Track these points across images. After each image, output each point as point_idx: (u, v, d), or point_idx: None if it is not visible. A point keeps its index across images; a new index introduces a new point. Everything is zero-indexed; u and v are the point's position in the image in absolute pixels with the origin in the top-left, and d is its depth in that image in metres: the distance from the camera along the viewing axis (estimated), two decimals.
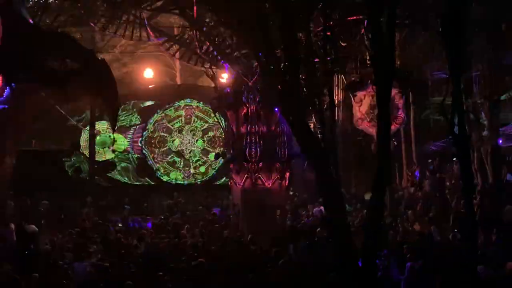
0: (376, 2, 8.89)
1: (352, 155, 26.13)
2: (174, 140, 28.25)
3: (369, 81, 21.18)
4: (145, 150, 28.12)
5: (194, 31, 18.24)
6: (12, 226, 14.70)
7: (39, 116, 23.32)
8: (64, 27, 18.31)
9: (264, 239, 14.79)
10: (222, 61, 18.78)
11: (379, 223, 8.77)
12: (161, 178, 28.07)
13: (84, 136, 27.57)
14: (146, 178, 28.11)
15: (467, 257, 10.23)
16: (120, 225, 16.85)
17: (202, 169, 28.27)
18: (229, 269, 11.26)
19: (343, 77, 26.07)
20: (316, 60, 15.72)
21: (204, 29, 18.12)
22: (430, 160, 25.34)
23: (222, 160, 24.29)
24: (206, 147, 28.23)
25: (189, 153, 28.21)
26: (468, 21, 12.85)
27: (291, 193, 22.82)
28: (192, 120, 28.33)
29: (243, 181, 18.47)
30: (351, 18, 16.92)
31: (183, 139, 28.21)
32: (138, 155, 28.23)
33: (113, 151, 28.00)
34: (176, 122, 28.34)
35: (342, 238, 8.70)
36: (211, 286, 10.64)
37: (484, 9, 17.02)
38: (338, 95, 26.73)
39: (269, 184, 18.31)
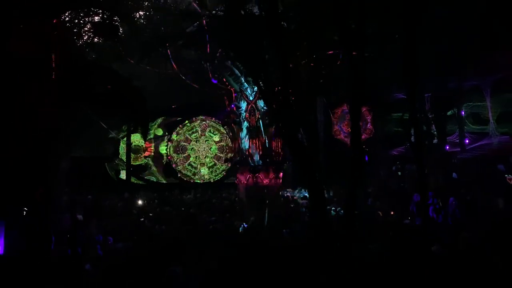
0: (349, 42, 8.96)
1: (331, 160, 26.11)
2: (192, 148, 28.30)
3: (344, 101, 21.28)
4: (170, 156, 28.17)
5: (208, 63, 18.31)
6: (68, 215, 14.68)
7: (87, 129, 23.42)
8: (106, 61, 18.37)
9: (263, 224, 14.77)
10: (229, 86, 18.86)
11: (353, 211, 8.78)
12: (182, 177, 28.10)
13: (122, 145, 27.65)
14: (171, 178, 28.16)
15: (423, 237, 10.26)
16: (150, 215, 16.77)
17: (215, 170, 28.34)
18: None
19: (324, 99, 26.11)
20: (303, 84, 15.80)
21: (216, 61, 18.19)
22: (398, 163, 25.32)
23: (230, 163, 24.35)
24: (217, 153, 28.28)
25: (204, 158, 28.25)
26: (421, 53, 12.92)
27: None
28: (207, 132, 28.39)
29: (246, 179, 18.49)
30: (331, 52, 16.98)
31: (199, 147, 28.27)
32: (165, 160, 28.30)
33: (145, 157, 28.06)
34: (194, 134, 28.40)
35: (323, 222, 8.71)
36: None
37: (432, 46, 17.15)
38: (319, 113, 26.75)
39: (266, 182, 18.32)
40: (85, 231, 13.42)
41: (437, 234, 11.67)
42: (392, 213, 15.49)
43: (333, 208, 16.60)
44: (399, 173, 25.37)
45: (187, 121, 28.46)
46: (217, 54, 18.09)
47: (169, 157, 28.03)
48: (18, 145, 11.25)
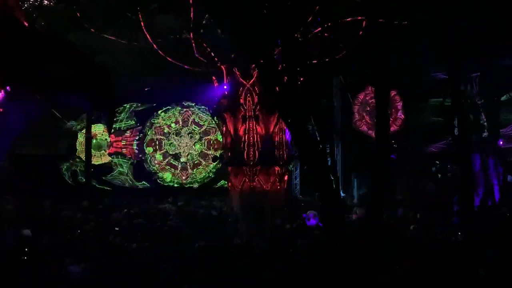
0: (373, 6, 8.98)
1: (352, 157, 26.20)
2: (171, 143, 28.31)
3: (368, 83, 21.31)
4: (141, 153, 28.17)
5: (191, 34, 18.29)
6: (11, 231, 14.68)
7: (35, 120, 23.37)
8: (59, 30, 18.34)
9: (262, 242, 14.82)
10: (219, 63, 18.86)
11: (376, 224, 8.83)
12: (158, 181, 28.12)
13: (80, 140, 27.63)
14: (143, 181, 28.16)
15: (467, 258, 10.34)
16: (116, 228, 16.78)
17: (200, 172, 28.34)
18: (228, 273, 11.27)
19: (341, 79, 26.13)
20: (314, 62, 15.81)
21: (202, 31, 18.18)
22: (437, 162, 25.38)
23: (220, 163, 24.38)
24: (204, 150, 28.28)
25: (187, 156, 28.26)
26: (468, 22, 12.96)
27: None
28: (190, 122, 28.39)
29: (241, 184, 18.53)
30: (350, 19, 17.00)
31: (180, 142, 28.27)
32: (135, 159, 28.28)
33: (110, 154, 28.08)
34: (173, 125, 28.40)
35: (337, 236, 8.75)
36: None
37: (483, 10, 17.09)
38: (336, 97, 26.78)
39: (267, 187, 18.37)
40: (34, 250, 13.46)
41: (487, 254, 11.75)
42: (411, 227, 15.55)
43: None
44: (439, 175, 25.42)
45: (164, 108, 28.45)
46: (203, 21, 18.10)
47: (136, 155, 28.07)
48: None
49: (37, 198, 21.80)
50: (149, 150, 28.23)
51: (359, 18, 16.48)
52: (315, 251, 12.44)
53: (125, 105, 28.13)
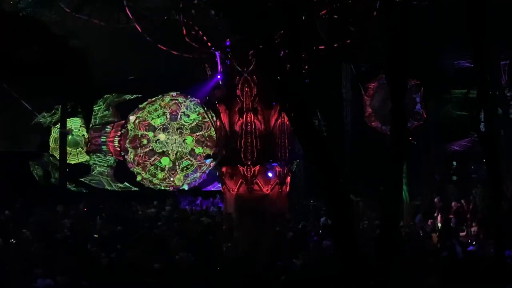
0: None
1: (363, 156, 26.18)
2: (158, 139, 28.31)
3: (382, 71, 21.27)
4: (124, 151, 28.16)
5: (181, 14, 18.27)
6: None
7: (2, 112, 23.38)
8: (31, 9, 18.34)
9: (262, 252, 14.84)
10: (213, 48, 18.84)
11: (392, 233, 8.82)
12: (143, 183, 28.13)
13: (54, 135, 27.60)
14: (125, 183, 28.14)
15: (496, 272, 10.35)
16: (95, 236, 16.81)
17: (190, 172, 28.37)
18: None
19: (352, 67, 26.14)
20: (321, 47, 15.80)
21: (193, 11, 18.16)
22: (454, 163, 25.45)
23: (214, 162, 24.38)
24: (195, 147, 28.28)
25: (175, 154, 28.25)
26: (495, 3, 12.95)
27: None
28: (179, 116, 28.38)
29: (237, 186, 18.53)
30: None
31: (168, 138, 28.27)
32: (116, 157, 28.28)
33: (87, 152, 28.05)
34: (160, 119, 28.39)
35: (347, 246, 8.73)
36: None
37: None
38: (346, 88, 26.78)
39: (267, 190, 18.38)
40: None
41: None
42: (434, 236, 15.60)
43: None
44: (454, 177, 25.53)
45: (149, 99, 28.44)
46: (195, 0, 18.09)
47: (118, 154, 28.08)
48: None
49: (2, 201, 21.80)
50: (131, 148, 28.23)
51: None
52: (322, 265, 12.49)
53: (105, 96, 28.08)
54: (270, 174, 18.20)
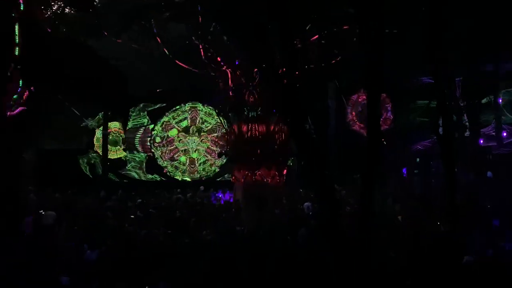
0: (366, 15, 8.93)
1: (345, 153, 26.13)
2: (181, 139, 28.28)
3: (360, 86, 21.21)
4: (154, 149, 28.15)
5: (200, 40, 18.26)
6: (30, 219, 14.65)
7: (56, 117, 23.41)
8: (79, 36, 18.32)
9: (263, 230, 14.80)
10: (225, 67, 18.81)
11: (369, 215, 8.79)
12: (168, 174, 28.11)
13: (98, 136, 27.63)
14: (154, 174, 28.14)
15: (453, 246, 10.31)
16: (132, 216, 16.77)
17: (207, 166, 28.35)
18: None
19: (336, 82, 26.08)
20: (312, 66, 15.78)
21: (209, 38, 18.14)
22: (418, 159, 25.39)
23: (225, 158, 24.38)
24: (210, 146, 28.26)
25: (195, 151, 28.23)
26: (450, 31, 12.91)
27: None
28: (197, 121, 28.36)
29: (244, 177, 18.51)
30: (345, 27, 16.94)
31: (189, 139, 28.24)
32: (147, 154, 28.26)
33: (124, 149, 28.07)
34: (183, 123, 28.36)
35: (333, 228, 8.70)
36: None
37: (465, 21, 17.09)
38: (331, 99, 26.71)
39: (268, 180, 18.34)
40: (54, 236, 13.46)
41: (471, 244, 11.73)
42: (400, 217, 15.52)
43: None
44: (416, 171, 25.48)
45: (174, 107, 28.40)
46: (211, 29, 18.05)
47: (148, 151, 28.03)
48: None
49: (58, 188, 21.84)
50: (159, 146, 28.18)
51: (353, 26, 16.40)
52: (312, 239, 12.46)
53: (138, 104, 28.14)
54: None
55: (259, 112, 18.35)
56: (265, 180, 18.46)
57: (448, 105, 13.20)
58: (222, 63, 18.72)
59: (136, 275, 9.96)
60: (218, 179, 27.74)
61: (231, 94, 18.99)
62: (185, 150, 28.25)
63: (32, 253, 11.45)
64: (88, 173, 27.34)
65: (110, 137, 27.55)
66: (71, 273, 10.15)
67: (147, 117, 28.39)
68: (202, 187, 23.02)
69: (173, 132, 28.22)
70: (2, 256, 10.66)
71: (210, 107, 27.72)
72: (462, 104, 22.68)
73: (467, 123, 22.43)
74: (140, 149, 28.30)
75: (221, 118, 21.43)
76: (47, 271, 10.29)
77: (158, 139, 28.03)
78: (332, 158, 24.32)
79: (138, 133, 28.26)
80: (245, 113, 18.55)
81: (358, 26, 12.45)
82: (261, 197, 17.52)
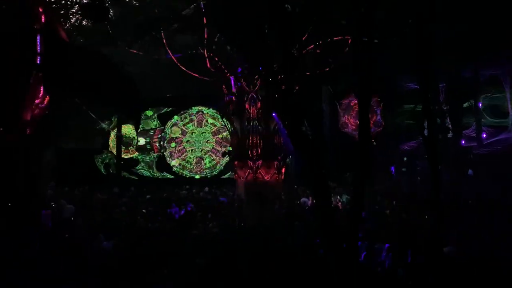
0: (357, 27, 8.93)
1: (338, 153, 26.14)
2: (188, 140, 28.29)
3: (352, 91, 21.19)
4: (163, 149, 28.17)
5: (205, 50, 18.28)
6: (49, 212, 14.64)
7: (74, 119, 23.42)
8: (95, 45, 18.35)
9: (263, 223, 14.79)
10: (228, 74, 18.82)
11: (360, 210, 8.78)
12: (177, 172, 28.12)
13: (112, 137, 27.65)
14: (164, 172, 28.15)
15: (435, 239, 10.28)
16: (144, 211, 16.75)
17: (212, 165, 28.34)
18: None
19: (330, 88, 26.08)
20: (308, 73, 15.77)
21: (214, 47, 18.16)
22: (405, 158, 25.39)
23: (229, 157, 24.37)
24: (215, 146, 28.27)
25: (201, 151, 28.24)
26: (435, 41, 12.88)
27: None
28: (203, 123, 28.36)
29: (246, 175, 18.50)
30: (338, 38, 16.95)
31: (195, 140, 28.26)
32: (157, 153, 28.29)
33: (136, 149, 28.08)
34: (190, 125, 28.37)
35: (328, 222, 8.69)
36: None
37: (448, 33, 17.10)
38: (325, 103, 26.71)
39: (267, 178, 18.34)
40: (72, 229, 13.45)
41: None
42: (388, 211, 15.50)
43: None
44: (403, 169, 25.46)
45: (182, 111, 28.42)
46: (215, 39, 18.05)
47: (158, 151, 28.04)
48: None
49: (75, 184, 21.85)
50: (172, 145, 28.18)
51: (346, 37, 16.40)
52: (308, 232, 12.44)
53: (150, 108, 28.17)
54: None
55: (259, 115, 18.35)
56: (265, 178, 18.45)
57: (433, 109, 13.18)
58: (225, 71, 18.73)
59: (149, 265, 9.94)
60: (222, 177, 27.75)
61: (234, 99, 18.98)
62: (191, 150, 28.28)
63: (51, 243, 11.45)
64: (103, 171, 27.36)
65: (124, 139, 27.59)
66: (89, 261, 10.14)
67: (158, 120, 28.42)
68: (206, 188, 23.01)
69: (176, 132, 28.22)
70: (24, 246, 10.66)
71: (215, 110, 27.74)
72: (445, 108, 22.69)
73: (450, 126, 22.44)
74: (151, 149, 28.35)
75: (225, 120, 21.43)
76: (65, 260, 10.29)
77: (173, 144, 28.07)
78: (326, 157, 24.31)
79: (149, 135, 28.33)
80: (247, 116, 18.56)
81: (350, 37, 12.48)
82: (261, 194, 17.52)
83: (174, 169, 28.02)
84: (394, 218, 14.86)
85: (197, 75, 19.43)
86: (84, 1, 16.19)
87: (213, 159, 28.29)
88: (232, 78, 18.89)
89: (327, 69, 17.94)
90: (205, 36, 17.77)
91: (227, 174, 27.28)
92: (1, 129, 11.65)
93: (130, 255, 10.52)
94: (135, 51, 19.64)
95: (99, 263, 10.21)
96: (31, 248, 10.56)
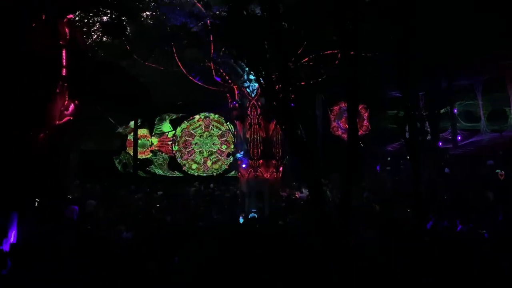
0: (346, 43, 8.99)
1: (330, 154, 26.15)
2: (196, 143, 28.33)
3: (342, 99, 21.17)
4: (174, 150, 28.22)
5: (212, 62, 18.32)
6: (75, 207, 14.68)
7: (96, 124, 23.50)
8: (114, 58, 18.40)
9: (262, 216, 14.83)
10: (232, 84, 18.86)
11: (349, 205, 8.82)
12: (187, 171, 28.16)
13: (129, 139, 27.72)
14: (175, 171, 28.20)
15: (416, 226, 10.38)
16: (158, 205, 16.81)
17: (217, 165, 28.37)
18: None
19: (322, 96, 26.13)
20: (302, 83, 15.81)
21: (219, 60, 18.19)
22: (389, 158, 25.41)
23: (232, 158, 24.39)
24: (220, 148, 28.30)
25: (208, 152, 28.28)
26: (414, 54, 12.95)
27: None
28: (210, 127, 28.41)
29: (248, 173, 18.51)
30: (329, 52, 16.98)
31: (203, 142, 28.30)
32: (169, 154, 28.33)
33: (151, 151, 28.12)
34: (198, 129, 28.41)
35: (321, 214, 8.73)
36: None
37: (427, 47, 17.15)
38: (318, 109, 26.74)
39: (267, 176, 18.35)
40: (94, 221, 13.51)
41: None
42: (377, 206, 15.51)
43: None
44: (388, 168, 25.49)
45: (191, 116, 28.48)
46: (221, 53, 18.09)
47: (173, 152, 28.09)
48: (31, 139, 11.32)
49: (96, 182, 21.92)
50: (179, 148, 28.20)
51: (336, 51, 16.44)
52: (302, 223, 12.48)
53: (162, 114, 28.23)
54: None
55: (259, 121, 18.38)
56: (265, 176, 18.46)
57: (413, 115, 13.22)
58: (229, 81, 18.77)
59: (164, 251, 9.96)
60: (227, 175, 27.78)
61: (237, 105, 19.01)
62: (200, 151, 28.31)
63: (77, 234, 11.50)
64: (121, 170, 27.42)
65: (139, 141, 27.64)
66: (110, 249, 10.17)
67: (169, 125, 28.48)
68: (212, 185, 23.03)
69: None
70: (52, 237, 10.70)
71: (220, 116, 27.80)
72: (424, 114, 22.72)
73: (428, 129, 22.44)
74: (163, 150, 28.39)
75: (229, 124, 21.46)
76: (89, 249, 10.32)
77: (176, 147, 28.06)
78: (319, 157, 24.32)
79: (162, 138, 28.38)
80: (249, 121, 18.58)
81: (340, 51, 12.52)
82: (261, 190, 17.56)
83: (184, 168, 28.07)
84: (380, 210, 14.90)
85: (204, 85, 19.46)
86: (105, 20, 16.30)
87: (218, 159, 28.32)
88: (235, 87, 18.94)
89: (320, 79, 17.98)
90: (212, 50, 17.80)
91: (231, 173, 27.32)
92: (31, 132, 11.69)
93: (148, 242, 10.56)
94: (149, 64, 19.67)
95: (120, 251, 10.26)
96: (59, 239, 10.60)
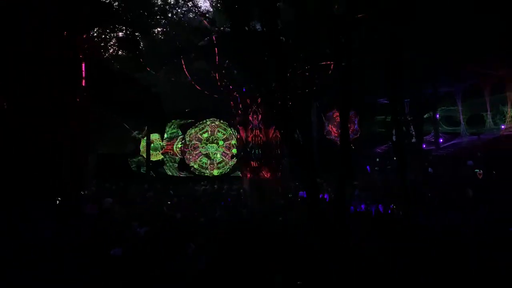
0: (338, 54, 8.96)
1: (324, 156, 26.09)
2: (203, 146, 28.30)
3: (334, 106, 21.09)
4: (184, 153, 28.18)
5: (216, 73, 18.32)
6: (94, 205, 14.64)
7: (112, 129, 23.48)
8: (129, 70, 18.40)
9: (262, 212, 14.73)
10: (235, 92, 18.85)
11: (343, 203, 8.76)
12: (195, 172, 28.11)
13: (143, 143, 27.71)
14: (185, 172, 28.14)
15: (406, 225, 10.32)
16: (169, 202, 16.72)
17: (222, 165, 28.31)
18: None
19: (317, 103, 26.09)
20: (299, 91, 15.77)
21: (223, 71, 18.20)
22: (377, 159, 25.33)
23: (236, 159, 24.33)
24: (225, 151, 28.25)
25: (214, 155, 28.23)
26: (402, 65, 12.89)
27: None
28: (216, 132, 28.37)
29: (250, 173, 18.49)
30: (323, 63, 16.96)
31: (209, 145, 28.27)
32: (179, 157, 28.30)
33: (162, 153, 28.09)
34: (205, 134, 28.38)
35: (317, 212, 8.67)
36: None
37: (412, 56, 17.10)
38: (313, 115, 26.70)
39: (267, 175, 18.31)
40: (111, 217, 13.44)
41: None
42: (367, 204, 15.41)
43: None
44: (376, 168, 25.43)
45: (198, 123, 28.46)
46: (224, 65, 18.09)
47: (184, 155, 28.07)
48: (51, 145, 11.30)
49: (112, 182, 21.85)
50: (188, 151, 28.17)
51: (329, 62, 16.41)
52: (299, 219, 12.41)
53: (172, 120, 28.20)
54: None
55: (260, 126, 18.35)
56: (265, 176, 18.41)
57: (400, 120, 13.19)
58: (233, 90, 18.75)
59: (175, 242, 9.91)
60: (231, 175, 27.72)
61: (240, 112, 18.99)
62: (206, 153, 28.27)
63: (95, 229, 11.46)
64: (135, 170, 27.39)
65: (152, 145, 27.64)
66: (125, 243, 10.10)
67: (179, 130, 28.46)
68: (216, 186, 22.98)
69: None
70: (71, 232, 10.67)
71: (225, 122, 27.77)
72: (409, 119, 22.65)
73: (413, 133, 22.37)
74: (174, 153, 28.37)
75: (232, 129, 21.42)
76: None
77: (180, 145, 27.98)
78: (314, 159, 24.24)
79: (173, 142, 28.37)
80: (250, 126, 18.56)
81: (333, 62, 12.49)
82: (262, 188, 17.51)
83: (192, 169, 28.02)
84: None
85: (210, 93, 19.47)
86: (120, 36, 16.30)
87: (222, 161, 28.26)
88: (238, 96, 18.92)
89: (314, 87, 17.96)
90: (217, 62, 17.80)
91: (235, 173, 27.25)
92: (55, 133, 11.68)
93: (160, 236, 10.51)
94: (160, 75, 19.68)
95: (135, 244, 10.21)
96: (78, 233, 10.56)
